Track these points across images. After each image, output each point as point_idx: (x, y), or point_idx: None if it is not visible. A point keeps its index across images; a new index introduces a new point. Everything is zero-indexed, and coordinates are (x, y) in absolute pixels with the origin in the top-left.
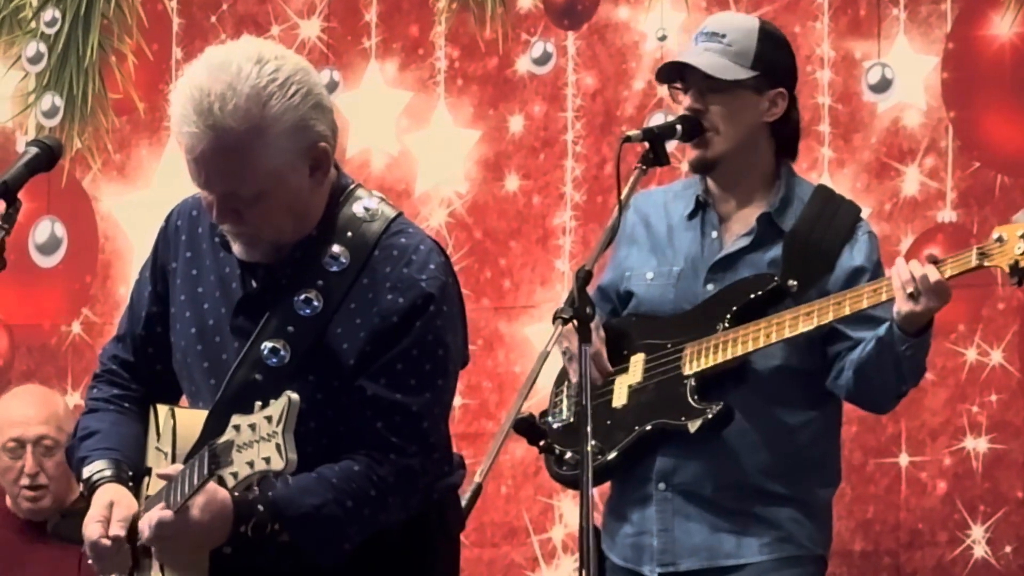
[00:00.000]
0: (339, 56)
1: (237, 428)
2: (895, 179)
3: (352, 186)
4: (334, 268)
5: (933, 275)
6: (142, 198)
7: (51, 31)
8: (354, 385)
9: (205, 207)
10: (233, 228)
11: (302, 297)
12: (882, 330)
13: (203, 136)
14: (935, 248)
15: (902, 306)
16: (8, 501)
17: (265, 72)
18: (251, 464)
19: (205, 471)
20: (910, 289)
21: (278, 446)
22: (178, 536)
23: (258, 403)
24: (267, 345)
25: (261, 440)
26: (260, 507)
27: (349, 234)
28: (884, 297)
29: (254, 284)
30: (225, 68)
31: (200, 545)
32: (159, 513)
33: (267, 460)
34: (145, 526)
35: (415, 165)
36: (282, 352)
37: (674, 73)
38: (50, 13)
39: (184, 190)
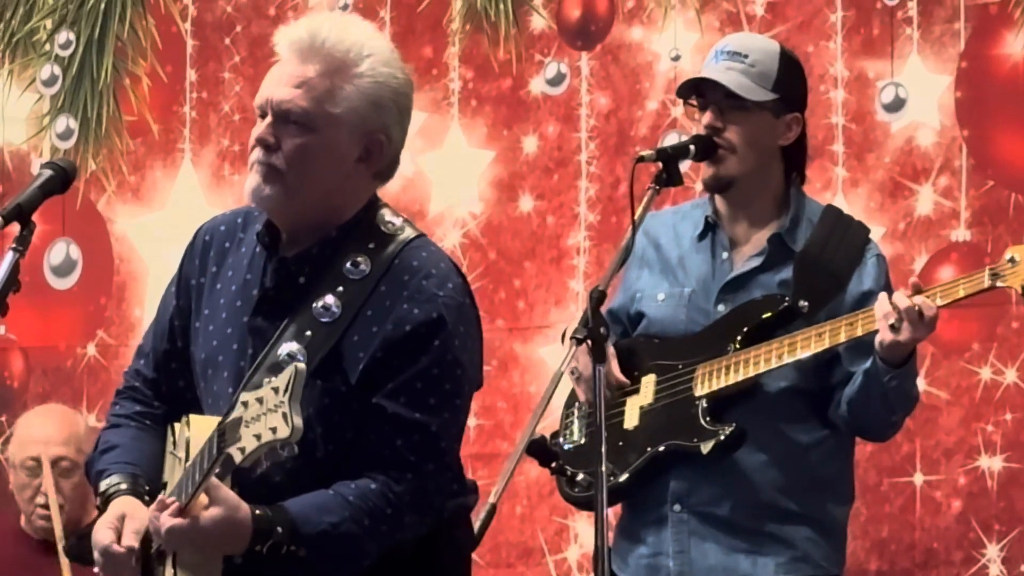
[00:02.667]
0: None
1: (245, 404)
2: (909, 198)
3: (380, 203)
4: (354, 276)
5: (926, 308)
6: (157, 220)
7: (65, 54)
8: (367, 397)
9: (251, 141)
10: (263, 156)
11: (321, 303)
12: (868, 363)
13: (300, 44)
14: (949, 268)
15: (884, 336)
16: (22, 520)
17: (380, 44)
18: (258, 437)
19: (214, 450)
20: (891, 320)
21: (284, 415)
22: (189, 542)
23: (265, 378)
24: (285, 349)
25: (268, 412)
26: (279, 529)
27: (372, 245)
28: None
29: (270, 283)
30: (353, 21)
31: (211, 554)
32: (170, 521)
33: (274, 430)
34: (156, 525)
35: (429, 186)
36: (299, 356)
37: (692, 90)
38: (64, 36)
39: (198, 212)
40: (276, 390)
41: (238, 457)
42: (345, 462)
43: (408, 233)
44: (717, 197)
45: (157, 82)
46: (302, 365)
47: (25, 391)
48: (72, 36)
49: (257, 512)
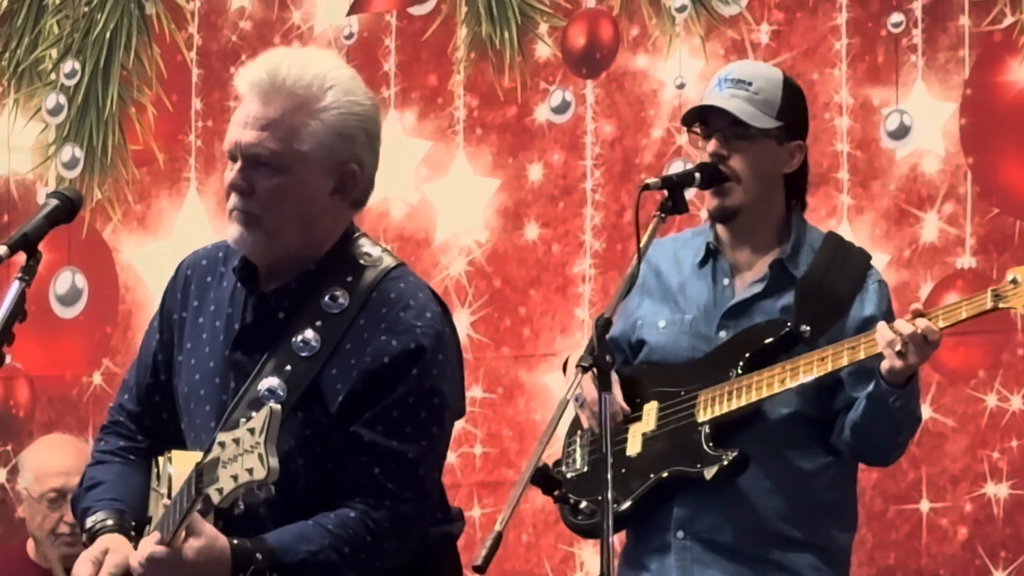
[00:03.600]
0: None
1: (222, 445)
2: (914, 225)
3: (357, 233)
4: (333, 310)
5: (931, 333)
6: (162, 248)
7: (71, 83)
8: (345, 427)
9: (225, 186)
10: (239, 203)
11: (300, 338)
12: (871, 386)
13: (259, 86)
14: (955, 295)
15: (894, 363)
16: (30, 549)
17: (341, 73)
18: (235, 477)
19: (193, 491)
20: (898, 347)
21: (260, 456)
22: (169, 573)
23: (242, 419)
24: (265, 384)
25: (245, 453)
26: (259, 555)
27: (350, 278)
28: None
29: (250, 317)
30: (311, 54)
31: None
32: (151, 548)
33: (250, 471)
34: (136, 561)
35: (434, 214)
36: (279, 392)
37: (696, 117)
38: (70, 65)
39: (204, 240)
40: (252, 431)
41: (216, 498)
42: (327, 493)
43: (386, 264)
44: (719, 225)
45: (163, 111)
46: (277, 407)
47: (31, 420)
48: (78, 65)
49: (235, 542)
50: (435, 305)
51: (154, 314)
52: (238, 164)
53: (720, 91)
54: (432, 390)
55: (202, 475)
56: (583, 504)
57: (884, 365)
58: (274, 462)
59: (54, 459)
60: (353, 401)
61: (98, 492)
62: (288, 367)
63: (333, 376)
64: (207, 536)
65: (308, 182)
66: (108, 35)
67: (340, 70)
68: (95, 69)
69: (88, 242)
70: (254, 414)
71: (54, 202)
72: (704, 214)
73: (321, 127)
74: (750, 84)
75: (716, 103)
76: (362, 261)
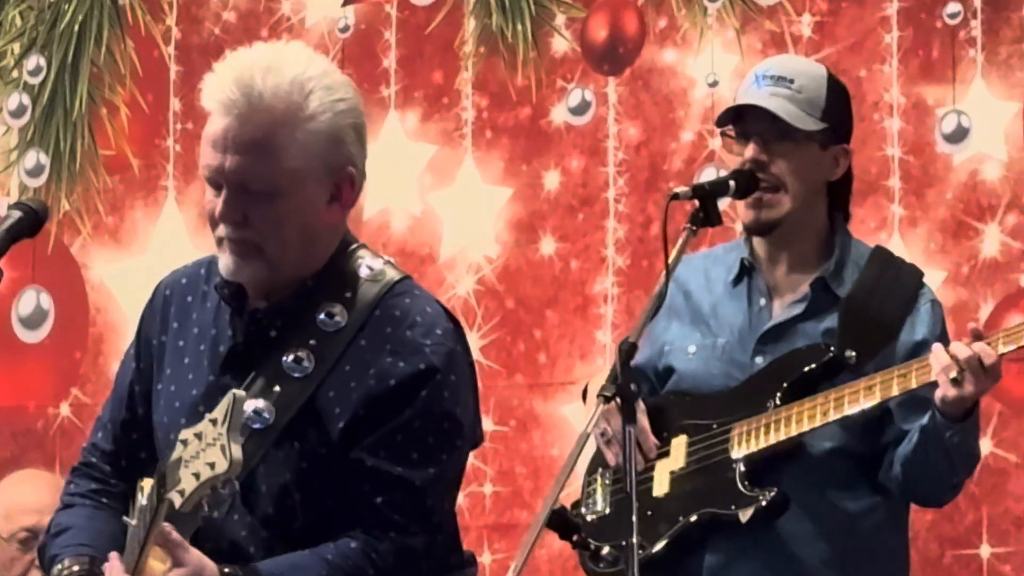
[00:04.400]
0: None
1: (184, 442)
2: (973, 239)
3: (356, 245)
4: (329, 328)
5: (987, 356)
6: (137, 265)
7: (35, 81)
8: (346, 455)
9: (207, 212)
10: (232, 232)
11: (292, 357)
12: (925, 419)
13: (234, 106)
14: (1018, 316)
15: (947, 392)
16: None
17: (314, 69)
18: (197, 475)
19: (155, 498)
20: (952, 374)
21: (223, 447)
22: None
23: (207, 413)
24: (250, 405)
25: (207, 447)
26: None
27: (348, 294)
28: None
29: (240, 337)
30: (272, 52)
31: None
32: None
33: (212, 466)
34: None
35: (440, 227)
36: (266, 415)
37: (732, 118)
38: (34, 61)
39: (183, 256)
40: (215, 422)
41: (178, 501)
42: (328, 532)
43: (389, 278)
44: (755, 239)
45: (137, 112)
46: (240, 392)
47: None
48: (43, 61)
49: (226, 570)
50: (446, 321)
51: (130, 343)
52: (224, 193)
53: (758, 88)
54: (443, 414)
55: (164, 477)
56: (605, 550)
57: (938, 394)
58: (236, 452)
59: (27, 495)
60: (355, 428)
61: (65, 538)
62: (277, 388)
63: (330, 399)
64: (193, 567)
65: (306, 200)
66: (76, 28)
67: (315, 66)
68: (62, 66)
69: (55, 258)
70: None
71: (17, 214)
72: (739, 227)
73: (310, 138)
74: (791, 81)
75: (755, 102)
76: (362, 275)
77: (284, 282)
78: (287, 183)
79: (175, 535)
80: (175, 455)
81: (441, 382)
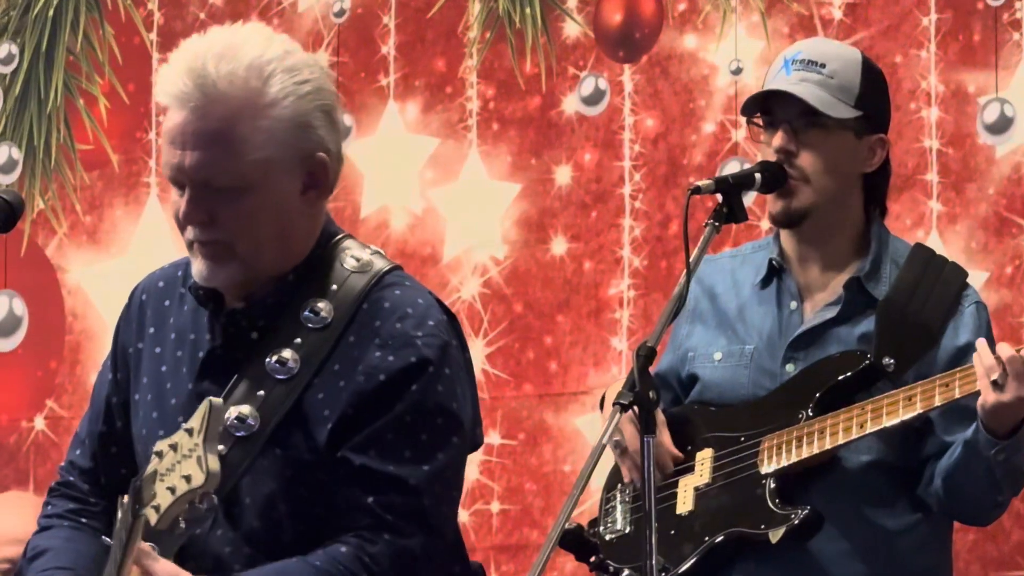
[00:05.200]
0: (351, 96)
1: (159, 454)
2: (1017, 237)
3: (341, 235)
4: (315, 324)
5: None
6: (117, 268)
7: (7, 70)
8: (335, 458)
9: (173, 215)
10: (201, 235)
11: (275, 358)
12: (969, 431)
13: (189, 98)
14: None
15: (987, 397)
16: None
17: (273, 50)
18: (172, 489)
19: (129, 515)
20: (994, 376)
21: (199, 459)
22: None
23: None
24: (233, 412)
25: (183, 459)
26: None
27: (334, 287)
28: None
29: (219, 340)
30: (228, 36)
31: None
32: None
33: (188, 479)
34: None
35: (442, 226)
36: (250, 421)
37: (758, 106)
38: (5, 49)
39: (166, 257)
40: (190, 432)
41: (153, 518)
42: (317, 544)
43: (377, 268)
44: (785, 235)
45: (117, 103)
46: (217, 400)
47: None
48: (15, 49)
49: None
50: (439, 313)
51: (108, 353)
52: (187, 193)
53: (787, 74)
54: (437, 408)
55: (139, 492)
56: (625, 572)
57: (980, 401)
58: (214, 464)
59: (9, 523)
60: (343, 428)
61: (43, 561)
62: (261, 392)
63: (319, 401)
64: (165, 574)
65: (276, 191)
66: (51, 13)
67: (275, 47)
68: (35, 54)
69: (28, 260)
70: (221, 447)
71: None
72: (766, 224)
73: (274, 125)
74: (823, 66)
75: (784, 88)
76: (347, 266)
77: (263, 280)
78: (253, 176)
79: (145, 546)
80: (150, 468)
81: (434, 375)
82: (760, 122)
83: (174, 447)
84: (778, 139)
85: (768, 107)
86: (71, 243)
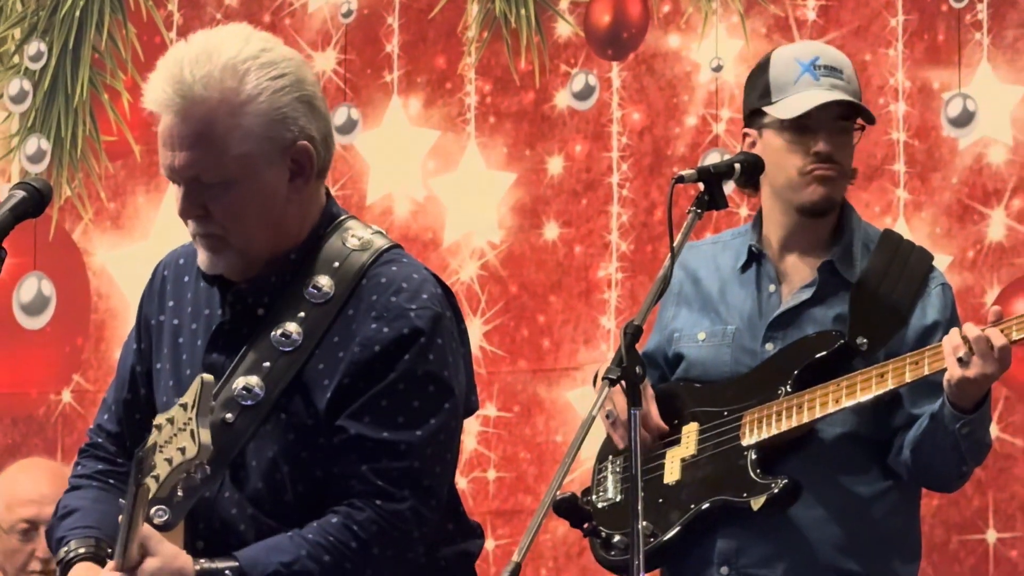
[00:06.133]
0: (357, 92)
1: (159, 427)
2: (979, 223)
3: (344, 217)
4: (317, 299)
5: (997, 339)
6: (139, 251)
7: (36, 66)
8: (333, 425)
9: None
10: (199, 227)
11: (281, 331)
12: (936, 405)
13: (170, 103)
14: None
15: (952, 373)
16: None
17: (249, 49)
18: (170, 461)
19: (133, 484)
20: (959, 353)
21: (192, 432)
22: None
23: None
24: (240, 382)
25: (178, 432)
26: (228, 574)
27: (336, 264)
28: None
29: (228, 315)
30: (208, 40)
31: None
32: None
33: (182, 451)
34: None
35: (443, 212)
36: (256, 390)
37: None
38: (35, 47)
39: (185, 241)
40: (185, 406)
41: (152, 487)
42: (318, 506)
43: (377, 246)
44: (769, 223)
45: (138, 98)
46: (208, 376)
47: None
48: (43, 47)
49: (201, 563)
50: (433, 287)
51: (133, 325)
52: (182, 189)
53: (815, 79)
54: (428, 375)
55: (141, 463)
56: (617, 538)
57: (946, 376)
58: (205, 437)
59: (26, 486)
60: (341, 397)
61: (72, 520)
62: (267, 363)
63: (319, 371)
64: (164, 556)
65: (262, 183)
66: (78, 13)
67: (252, 46)
68: (63, 51)
69: (56, 244)
70: (229, 415)
71: (20, 194)
72: (744, 211)
73: (253, 121)
74: (841, 72)
75: (835, 97)
76: (349, 245)
77: (264, 262)
78: (237, 170)
79: (149, 528)
80: (151, 440)
81: (426, 344)
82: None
83: (171, 421)
84: (823, 144)
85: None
86: (96, 228)
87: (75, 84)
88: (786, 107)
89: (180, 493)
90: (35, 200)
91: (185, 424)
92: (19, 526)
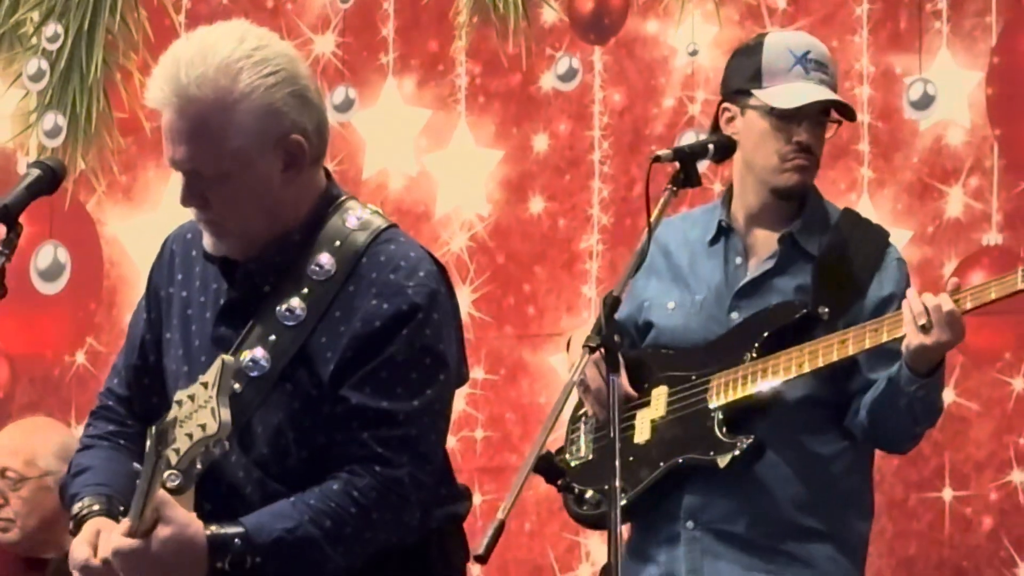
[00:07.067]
0: (355, 73)
1: (179, 403)
2: (938, 200)
3: (344, 197)
4: (320, 276)
5: (947, 305)
6: (149, 222)
7: (53, 47)
8: (336, 395)
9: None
10: (200, 214)
11: (285, 306)
12: (893, 369)
13: (168, 102)
14: (980, 273)
15: (912, 339)
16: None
17: (243, 48)
18: (190, 436)
19: (153, 454)
20: (922, 321)
21: (212, 410)
22: (140, 566)
23: (200, 375)
24: (248, 354)
25: (199, 409)
26: (237, 541)
27: (337, 243)
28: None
29: (235, 292)
30: (204, 40)
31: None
32: (117, 542)
33: (203, 427)
34: (105, 547)
35: (435, 187)
36: (263, 362)
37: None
38: (52, 28)
39: (192, 213)
40: (205, 385)
41: (173, 459)
42: (320, 469)
43: (376, 226)
44: (738, 201)
45: (149, 77)
46: (229, 357)
47: (11, 401)
48: (60, 29)
49: (212, 528)
50: (429, 264)
51: (143, 295)
52: (183, 180)
53: (806, 73)
54: (424, 349)
55: (161, 435)
56: (588, 494)
57: (905, 342)
58: (225, 415)
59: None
60: (344, 369)
61: (85, 478)
62: (272, 336)
63: (322, 344)
64: (177, 523)
65: (256, 175)
66: None
67: (245, 44)
68: (78, 33)
69: (71, 215)
70: (237, 385)
71: (36, 172)
72: (717, 187)
73: (246, 117)
74: (827, 68)
75: (830, 97)
76: (349, 225)
77: (265, 243)
78: (232, 165)
79: (164, 494)
80: (171, 415)
81: (423, 320)
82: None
83: (192, 397)
84: (805, 135)
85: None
86: (108, 200)
87: (90, 64)
88: (778, 96)
89: (199, 466)
90: (49, 178)
91: (206, 402)
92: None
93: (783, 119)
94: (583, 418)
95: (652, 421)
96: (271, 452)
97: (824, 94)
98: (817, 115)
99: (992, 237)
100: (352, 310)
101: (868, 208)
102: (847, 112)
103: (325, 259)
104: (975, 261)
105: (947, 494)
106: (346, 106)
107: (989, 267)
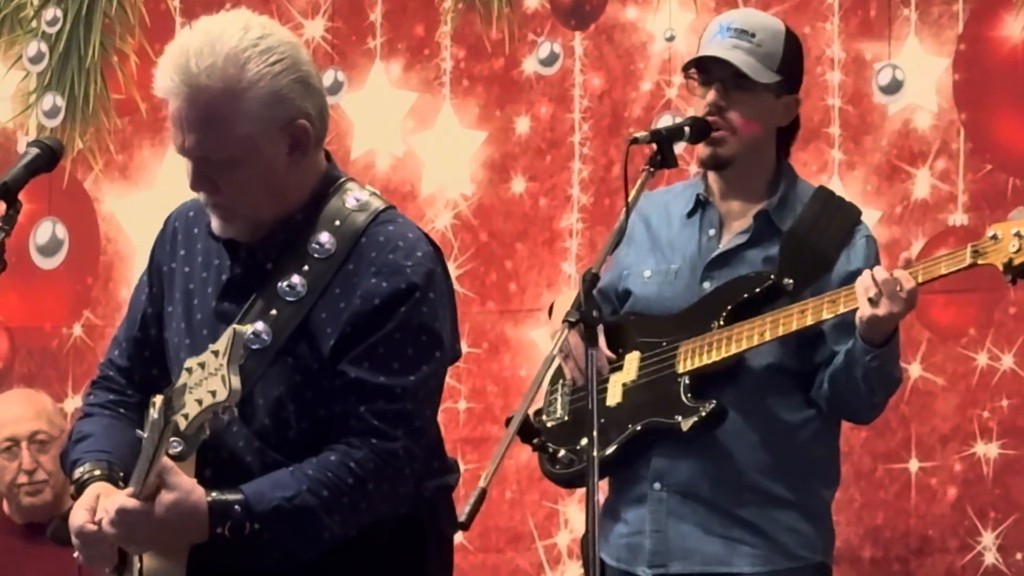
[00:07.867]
0: (343, 56)
1: (189, 370)
2: (905, 182)
3: (343, 179)
4: (320, 255)
5: (897, 277)
6: (144, 199)
7: (52, 30)
8: (335, 369)
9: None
10: (209, 198)
11: (286, 283)
12: (850, 342)
13: (178, 91)
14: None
15: (863, 310)
16: (5, 506)
17: (248, 37)
18: (200, 401)
19: (162, 420)
20: (870, 293)
21: (223, 377)
22: (142, 530)
23: (209, 334)
24: (250, 328)
25: (209, 376)
26: (237, 508)
27: (337, 223)
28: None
29: (238, 269)
30: (210, 30)
31: (170, 544)
32: (121, 501)
33: (213, 393)
34: (105, 509)
35: (420, 167)
36: (264, 336)
37: (694, 65)
38: (51, 12)
39: (186, 192)
40: (216, 353)
41: (182, 424)
42: (319, 441)
43: (375, 207)
44: (711, 175)
45: (145, 60)
46: (240, 327)
47: (10, 372)
48: (59, 13)
49: (213, 495)
50: (426, 245)
51: (144, 269)
52: (192, 166)
53: (722, 39)
54: (421, 327)
55: (171, 402)
56: (561, 453)
57: (858, 316)
58: (236, 382)
59: (3, 410)
60: (343, 344)
61: (86, 444)
62: (274, 311)
63: (322, 320)
64: (181, 490)
65: (263, 160)
66: None
67: (251, 34)
68: (77, 17)
69: (69, 192)
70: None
71: (34, 151)
72: (694, 168)
73: (253, 105)
74: (753, 35)
75: (719, 54)
76: (349, 206)
77: (271, 223)
78: (240, 151)
79: (168, 460)
80: (181, 382)
81: (420, 299)
82: (697, 78)
83: (202, 365)
84: (711, 95)
85: (705, 67)
86: (105, 178)
87: (87, 47)
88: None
89: (207, 431)
90: (47, 157)
91: (216, 369)
92: (2, 445)
93: (700, 85)
94: (561, 381)
95: (624, 385)
96: (272, 423)
97: (717, 53)
98: (732, 78)
99: (958, 218)
100: (352, 288)
101: (839, 189)
102: (753, 82)
103: (325, 238)
104: (941, 241)
105: (913, 465)
106: (335, 89)
107: (955, 246)
